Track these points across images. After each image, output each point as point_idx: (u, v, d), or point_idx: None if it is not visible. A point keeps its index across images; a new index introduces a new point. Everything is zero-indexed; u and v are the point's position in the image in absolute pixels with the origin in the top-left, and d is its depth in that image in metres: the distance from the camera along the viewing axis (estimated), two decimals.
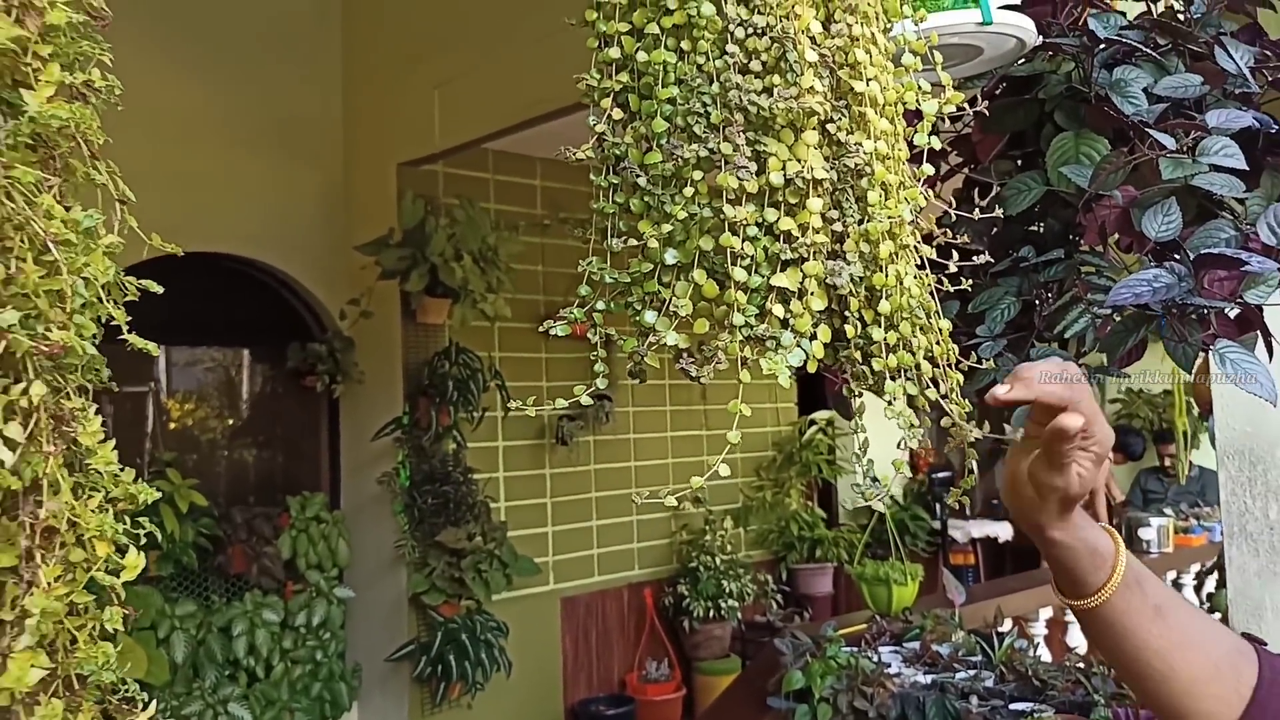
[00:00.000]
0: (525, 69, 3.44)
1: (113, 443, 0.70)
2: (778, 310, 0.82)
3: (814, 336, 0.84)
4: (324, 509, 4.21)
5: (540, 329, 1.09)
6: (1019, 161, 1.44)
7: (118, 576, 0.67)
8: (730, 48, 0.84)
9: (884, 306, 0.85)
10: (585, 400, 0.91)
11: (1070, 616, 4.53)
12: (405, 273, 3.98)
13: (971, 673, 3.19)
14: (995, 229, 1.39)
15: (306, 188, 4.26)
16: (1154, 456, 6.62)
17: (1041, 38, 1.23)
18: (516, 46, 3.48)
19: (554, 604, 4.72)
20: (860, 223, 0.86)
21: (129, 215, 0.75)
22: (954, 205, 1.34)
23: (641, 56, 0.86)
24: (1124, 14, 1.31)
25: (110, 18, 0.74)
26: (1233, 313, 1.20)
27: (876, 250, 0.85)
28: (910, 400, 0.89)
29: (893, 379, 0.86)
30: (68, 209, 0.69)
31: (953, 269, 0.99)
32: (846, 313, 0.86)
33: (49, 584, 0.64)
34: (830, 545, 5.43)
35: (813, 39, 0.85)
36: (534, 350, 4.70)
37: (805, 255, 0.83)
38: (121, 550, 0.68)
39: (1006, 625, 3.97)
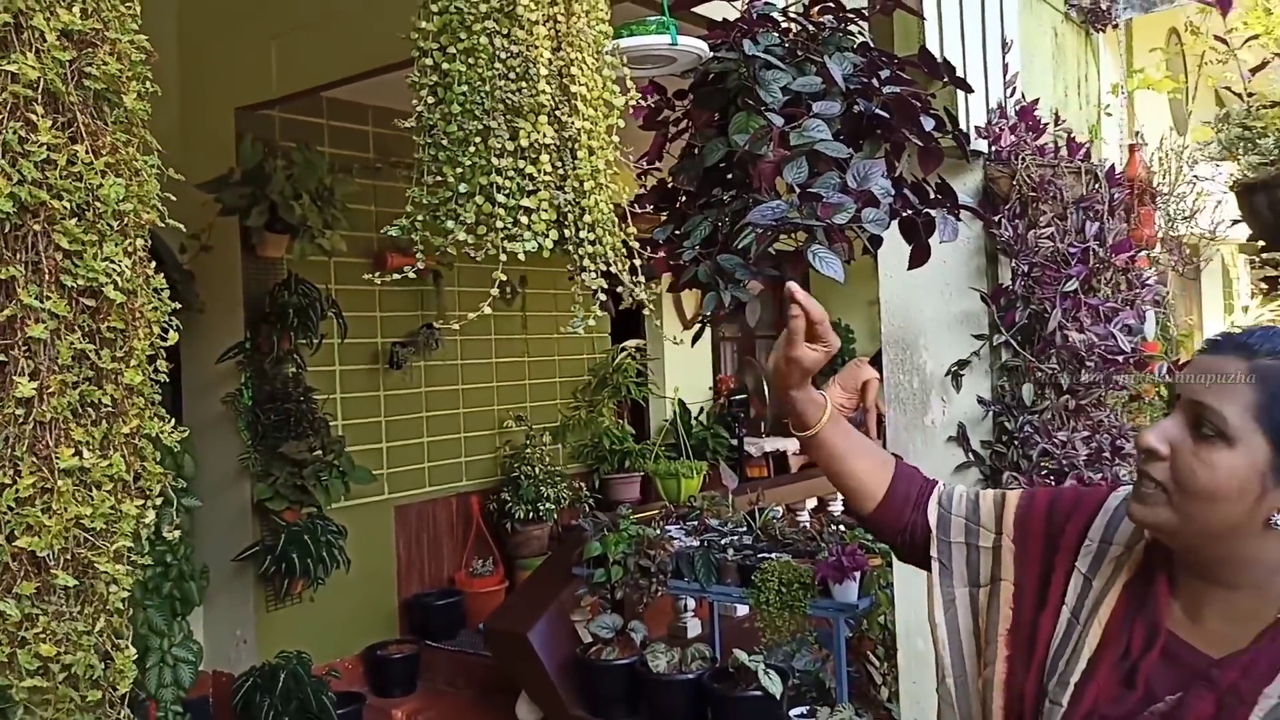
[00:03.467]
0: (358, 25, 3.86)
1: None
2: (524, 219, 1.42)
3: (547, 235, 1.44)
4: None
5: (366, 276, 1.63)
6: (718, 130, 2.09)
7: None
8: (497, 64, 1.42)
9: (587, 218, 1.46)
10: (487, 310, 1.47)
11: (835, 503, 5.44)
12: (245, 210, 4.34)
13: (735, 537, 3.96)
14: (698, 176, 2.04)
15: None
16: None
17: (711, 52, 1.86)
18: (349, 3, 3.88)
19: (389, 512, 5.24)
20: (574, 169, 1.46)
21: None
22: (677, 158, 1.99)
23: (445, 66, 1.43)
24: (778, 32, 1.96)
25: None
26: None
27: (583, 187, 1.46)
28: (608, 275, 1.51)
29: (592, 261, 1.48)
30: None
31: (649, 209, 1.61)
32: (566, 222, 1.47)
33: None
34: (638, 457, 6.17)
35: (547, 60, 1.44)
36: (369, 283, 5.15)
37: (540, 188, 1.43)
38: None
39: (780, 510, 4.78)
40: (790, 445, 7.92)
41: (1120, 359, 2.53)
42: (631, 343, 6.38)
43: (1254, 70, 2.49)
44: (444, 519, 5.53)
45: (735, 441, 7.35)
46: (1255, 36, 2.57)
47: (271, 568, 4.43)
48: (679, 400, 7.07)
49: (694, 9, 2.66)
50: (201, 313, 4.63)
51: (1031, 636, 1.16)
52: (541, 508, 5.51)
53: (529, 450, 5.69)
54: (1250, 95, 2.51)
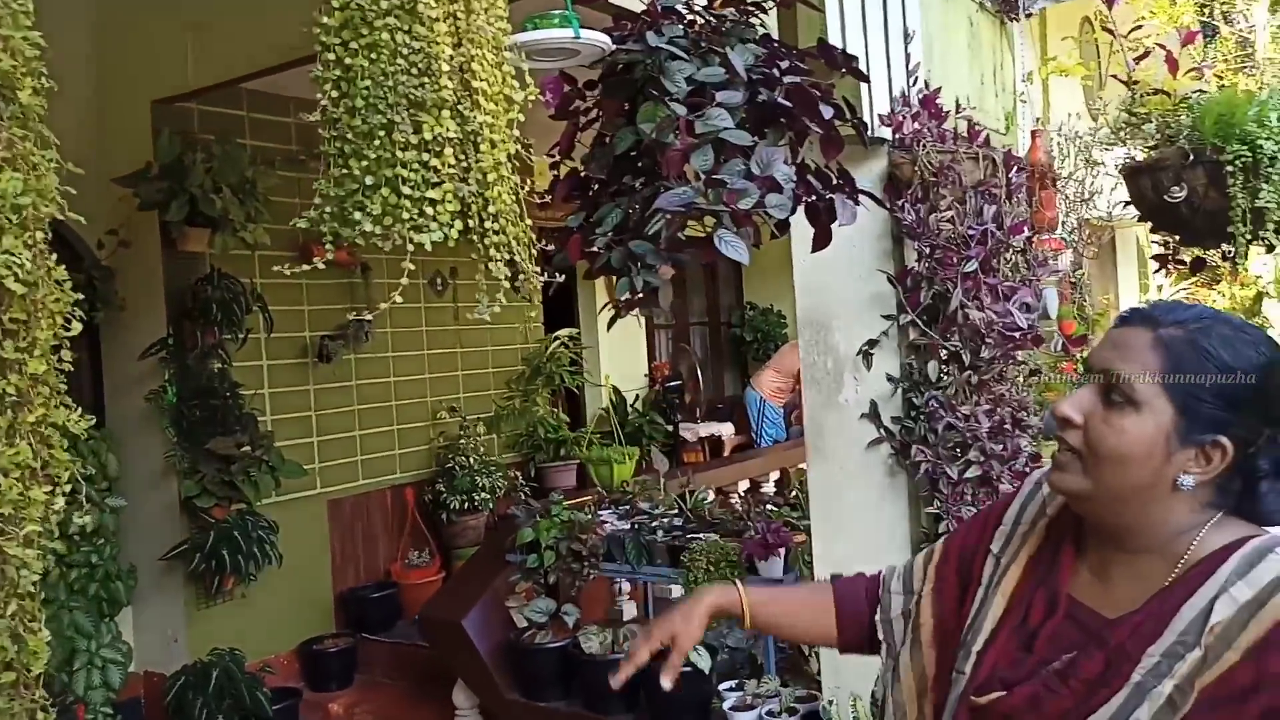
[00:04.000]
0: (276, 15, 3.82)
1: None
2: (429, 210, 1.47)
3: (452, 225, 1.49)
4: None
5: (276, 268, 1.65)
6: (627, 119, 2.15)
7: None
8: (399, 59, 1.46)
9: (491, 209, 1.51)
10: (399, 299, 1.51)
11: (767, 485, 5.56)
12: (165, 204, 4.28)
13: (666, 520, 4.04)
14: (609, 164, 2.10)
15: (59, 122, 4.41)
16: None
17: (615, 45, 1.92)
18: None
19: (322, 506, 5.23)
20: (477, 162, 1.51)
21: None
22: (589, 148, 2.05)
23: (347, 61, 1.47)
24: (683, 24, 2.02)
25: None
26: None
27: (486, 179, 1.51)
28: (513, 265, 1.57)
29: (497, 250, 1.53)
30: None
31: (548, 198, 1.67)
32: (470, 213, 1.52)
33: None
34: (573, 445, 6.23)
35: (449, 56, 1.49)
36: (295, 277, 5.10)
37: (444, 180, 1.48)
38: None
39: (711, 493, 4.88)
40: (725, 430, 8.05)
41: (1018, 335, 2.66)
42: (565, 332, 6.43)
43: (1138, 59, 2.63)
44: (378, 511, 5.53)
45: (670, 428, 7.46)
46: (1139, 26, 2.72)
47: (201, 565, 4.40)
48: (614, 388, 7.14)
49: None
50: (122, 310, 4.57)
51: (954, 628, 1.23)
52: (477, 498, 5.54)
53: (463, 441, 5.71)
54: (1135, 83, 2.66)
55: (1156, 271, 3.06)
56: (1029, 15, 4.07)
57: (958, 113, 2.92)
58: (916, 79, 2.86)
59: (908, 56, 2.87)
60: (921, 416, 2.73)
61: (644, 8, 2.04)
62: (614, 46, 1.93)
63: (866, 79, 2.22)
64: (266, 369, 5.00)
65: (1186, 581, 1.03)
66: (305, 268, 1.61)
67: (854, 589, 1.43)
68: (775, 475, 5.93)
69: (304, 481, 5.00)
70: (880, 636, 1.37)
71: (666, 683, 1.30)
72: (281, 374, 5.08)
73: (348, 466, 5.39)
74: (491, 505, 5.63)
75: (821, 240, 2.19)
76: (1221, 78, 2.89)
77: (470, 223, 1.50)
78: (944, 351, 2.72)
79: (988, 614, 1.17)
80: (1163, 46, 2.54)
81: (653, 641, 1.30)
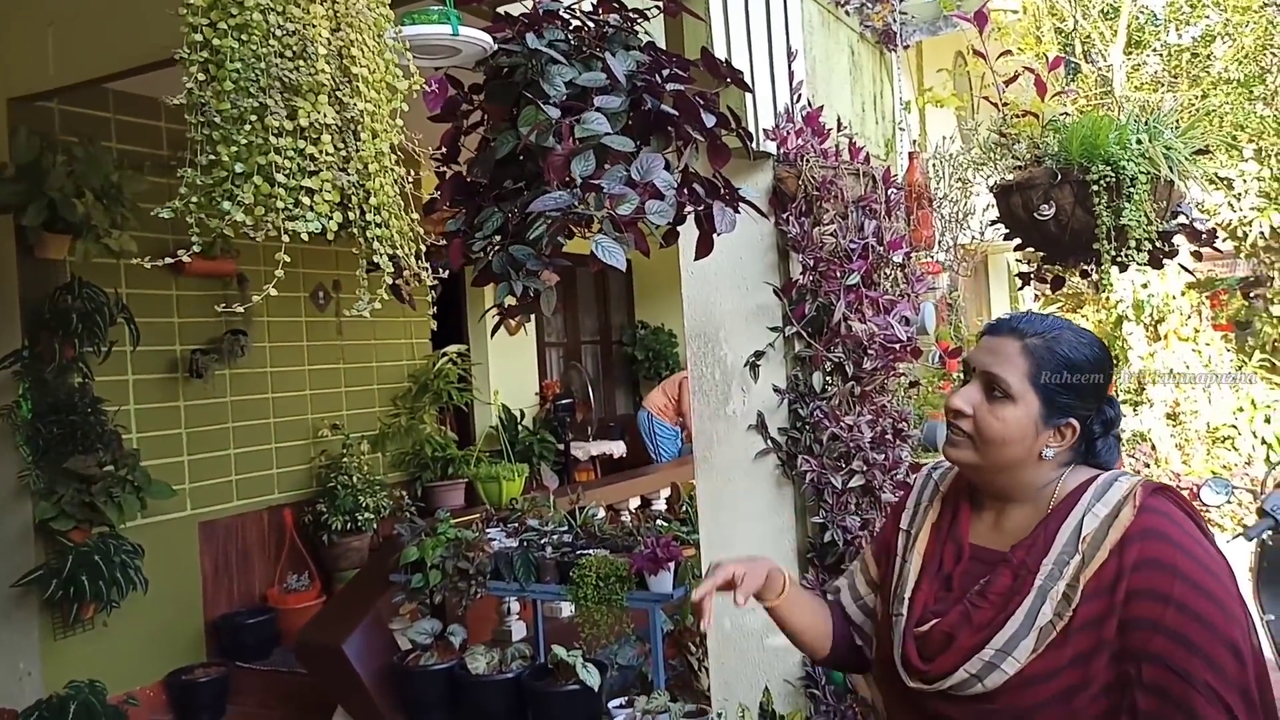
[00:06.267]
0: (145, 11, 3.64)
1: None
2: (305, 200, 1.40)
3: (331, 217, 1.43)
4: None
5: (136, 261, 1.54)
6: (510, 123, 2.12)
7: None
8: (271, 41, 1.40)
9: (373, 201, 1.46)
10: (272, 291, 1.42)
11: (658, 501, 5.56)
12: (20, 208, 4.02)
13: (555, 536, 3.99)
14: (491, 168, 2.06)
15: None
16: None
17: (497, 45, 1.90)
18: None
19: (192, 528, 4.96)
20: (358, 151, 1.46)
21: None
22: (474, 152, 2.00)
23: (215, 42, 1.40)
24: (566, 30, 2.01)
25: None
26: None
27: (367, 170, 1.46)
28: (394, 260, 1.52)
29: (380, 244, 1.48)
30: None
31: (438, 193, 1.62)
32: (350, 204, 1.46)
33: None
34: (461, 463, 6.10)
35: (326, 39, 1.43)
36: (164, 287, 4.87)
37: (322, 169, 1.42)
38: None
39: (601, 510, 4.84)
40: (616, 448, 8.04)
41: (898, 347, 2.73)
42: (453, 348, 6.31)
43: (1008, 82, 2.75)
44: (254, 533, 5.28)
45: (562, 446, 7.40)
46: (1008, 52, 2.84)
47: (58, 592, 4.11)
48: (503, 405, 7.04)
49: (495, 7, 2.68)
50: None
51: (889, 596, 1.51)
52: (360, 518, 5.36)
53: (346, 459, 5.53)
54: (1005, 105, 2.77)
55: (1021, 289, 3.19)
56: (906, 47, 4.23)
57: (839, 131, 2.99)
58: (800, 95, 2.92)
59: (791, 73, 2.93)
60: (807, 427, 2.77)
61: (523, 13, 2.02)
62: (494, 46, 1.90)
63: (750, 89, 2.26)
64: (132, 384, 4.74)
65: (1058, 512, 1.34)
66: (169, 260, 1.52)
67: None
68: (666, 492, 5.94)
69: (173, 503, 4.75)
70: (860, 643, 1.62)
71: (705, 625, 1.40)
72: (149, 389, 4.82)
73: (221, 487, 5.14)
74: (375, 526, 5.46)
75: (704, 248, 2.20)
76: (1083, 112, 3.05)
77: (351, 215, 1.45)
78: (828, 363, 2.77)
79: (909, 570, 1.46)
80: (1031, 70, 2.66)
81: (718, 579, 1.44)
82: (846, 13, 3.66)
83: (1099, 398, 1.38)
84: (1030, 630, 1.28)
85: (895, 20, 3.92)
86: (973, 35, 3.08)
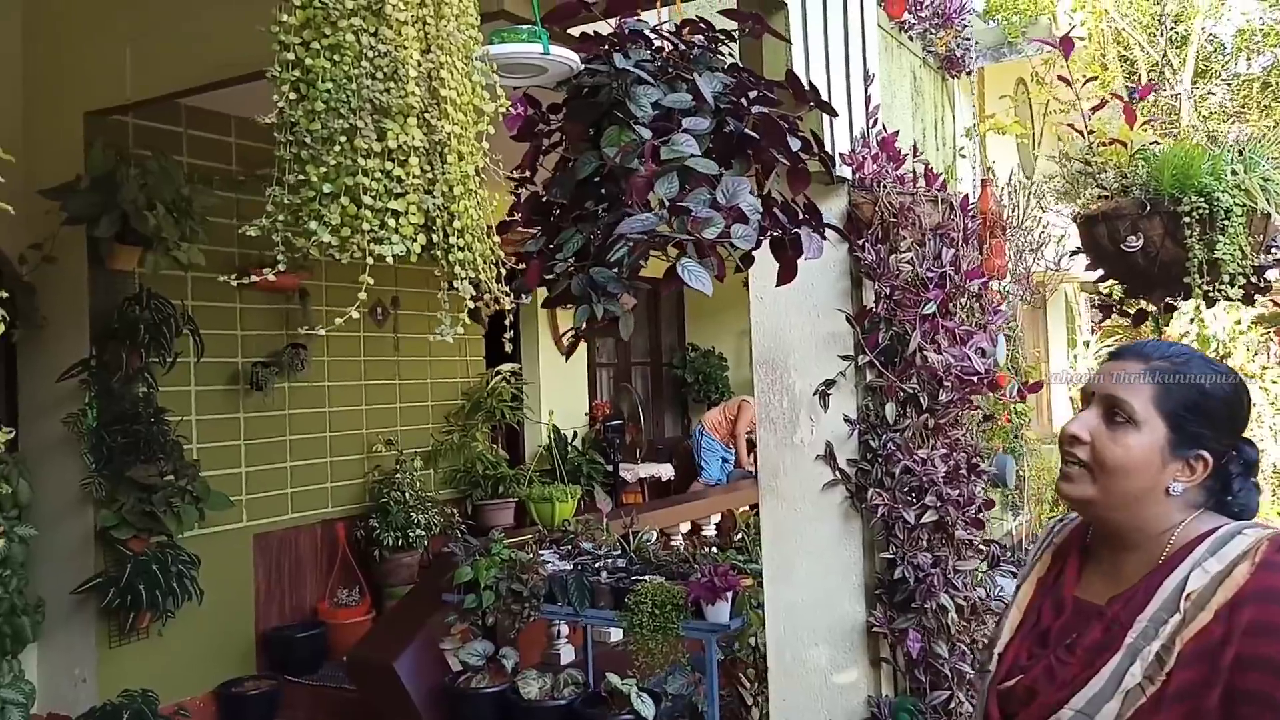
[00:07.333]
0: (220, 29, 3.70)
1: None
2: (391, 222, 1.38)
3: (415, 239, 1.41)
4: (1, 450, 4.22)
5: (223, 279, 1.53)
6: (591, 143, 2.09)
7: None
8: (363, 63, 1.38)
9: (456, 224, 1.43)
10: (356, 314, 1.41)
11: (708, 528, 5.48)
12: (94, 219, 4.09)
13: (609, 560, 3.94)
14: (571, 189, 2.03)
15: None
16: None
17: (583, 65, 1.87)
18: (211, 7, 3.73)
19: (247, 540, 5.00)
20: (444, 174, 1.43)
21: None
22: (552, 172, 1.98)
23: (308, 61, 1.38)
24: (651, 50, 1.98)
25: None
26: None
27: (452, 192, 1.43)
28: (475, 284, 1.48)
29: (462, 268, 1.45)
30: None
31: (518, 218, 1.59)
32: (434, 226, 1.43)
33: None
34: (512, 482, 6.08)
35: (416, 61, 1.41)
36: (229, 300, 4.93)
37: (408, 191, 1.39)
38: None
39: (653, 534, 4.80)
40: (664, 471, 7.98)
41: (975, 380, 2.65)
42: (506, 367, 6.31)
43: (1094, 109, 2.66)
44: (307, 547, 5.30)
45: (610, 467, 7.36)
46: (1094, 78, 2.76)
47: (115, 600, 4.15)
48: (554, 425, 7.02)
49: (568, 29, 2.67)
50: (42, 328, 4.34)
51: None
52: (411, 534, 5.36)
53: (399, 475, 5.54)
54: (1091, 133, 2.69)
55: (1102, 321, 3.09)
56: (969, 73, 4.15)
57: (914, 157, 2.93)
58: (875, 120, 2.87)
59: (868, 98, 2.88)
60: (878, 459, 2.70)
61: (610, 33, 1.99)
62: (582, 65, 1.87)
63: (835, 113, 2.20)
64: (195, 395, 4.79)
65: (1169, 563, 1.22)
66: (250, 280, 1.50)
67: None
68: (716, 519, 5.86)
69: (230, 514, 4.78)
70: None
71: None
72: (210, 401, 4.87)
73: (277, 499, 5.17)
74: (426, 543, 5.45)
75: (787, 274, 2.14)
76: (1158, 141, 2.96)
77: (434, 237, 1.42)
78: (901, 394, 2.69)
79: (1005, 624, 1.39)
80: (1119, 97, 2.57)
81: None
82: (910, 38, 3.60)
83: (1234, 432, 1.28)
84: (1115, 693, 1.17)
85: (959, 46, 3.85)
86: (1037, 62, 3.00)
